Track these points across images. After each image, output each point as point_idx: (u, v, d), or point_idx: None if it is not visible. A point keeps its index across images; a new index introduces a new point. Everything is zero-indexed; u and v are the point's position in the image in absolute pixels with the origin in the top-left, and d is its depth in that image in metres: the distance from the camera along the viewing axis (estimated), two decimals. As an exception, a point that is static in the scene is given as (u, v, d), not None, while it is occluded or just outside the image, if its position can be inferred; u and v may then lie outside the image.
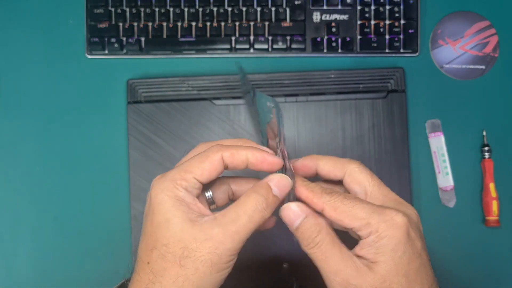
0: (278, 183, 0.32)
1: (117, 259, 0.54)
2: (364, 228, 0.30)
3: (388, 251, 0.29)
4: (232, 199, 0.37)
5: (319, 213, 0.32)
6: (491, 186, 0.55)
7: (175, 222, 0.30)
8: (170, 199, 0.31)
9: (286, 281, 0.51)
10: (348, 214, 0.30)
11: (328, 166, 0.35)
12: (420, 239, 0.31)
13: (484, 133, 0.56)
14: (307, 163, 0.36)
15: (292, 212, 0.32)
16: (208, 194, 0.35)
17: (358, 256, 0.30)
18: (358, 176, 0.33)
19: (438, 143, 0.56)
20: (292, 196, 0.33)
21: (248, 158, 0.33)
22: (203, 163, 0.32)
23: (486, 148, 0.55)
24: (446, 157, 0.56)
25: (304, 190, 0.32)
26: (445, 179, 0.55)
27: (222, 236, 0.30)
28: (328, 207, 0.31)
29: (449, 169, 0.55)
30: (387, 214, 0.30)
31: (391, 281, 0.29)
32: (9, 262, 0.55)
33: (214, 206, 0.36)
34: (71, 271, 0.55)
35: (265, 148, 0.34)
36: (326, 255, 0.30)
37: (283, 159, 0.34)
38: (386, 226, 0.29)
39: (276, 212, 0.33)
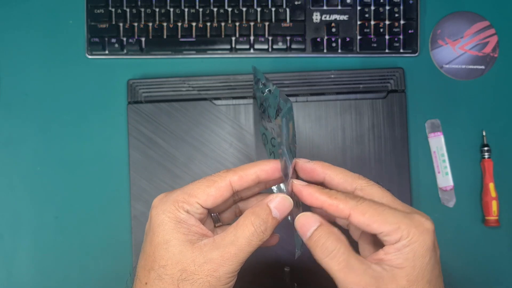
0: (279, 204, 0.32)
1: (118, 259, 0.55)
2: (395, 233, 0.29)
3: (417, 257, 0.29)
4: (238, 215, 0.37)
5: (333, 223, 0.32)
6: (491, 186, 0.55)
7: (174, 244, 0.30)
8: (171, 221, 0.30)
9: (288, 285, 0.51)
10: (377, 219, 0.29)
11: (339, 178, 0.33)
12: (438, 247, 0.31)
13: (484, 133, 0.56)
14: (317, 169, 0.34)
15: (306, 221, 0.31)
16: (214, 214, 0.35)
17: (380, 261, 0.30)
18: (370, 190, 0.32)
19: (437, 143, 0.56)
20: (299, 203, 0.33)
21: (258, 175, 0.33)
22: (209, 188, 0.31)
23: (485, 148, 0.55)
24: (446, 157, 0.56)
25: (327, 197, 0.31)
26: (445, 179, 0.56)
27: (221, 259, 0.30)
28: (355, 212, 0.30)
29: (448, 169, 0.56)
30: (417, 219, 0.29)
31: (416, 287, 0.29)
32: (10, 262, 0.55)
33: (219, 224, 0.36)
34: (71, 271, 0.55)
35: (271, 159, 0.34)
36: (342, 265, 0.30)
37: (287, 170, 0.33)
38: (418, 232, 0.29)
39: (279, 229, 0.33)
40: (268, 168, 0.33)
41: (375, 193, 0.32)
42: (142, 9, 0.56)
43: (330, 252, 0.30)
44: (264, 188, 0.36)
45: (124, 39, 0.56)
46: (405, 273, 0.29)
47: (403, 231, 0.29)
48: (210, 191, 0.31)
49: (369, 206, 0.30)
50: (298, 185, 0.32)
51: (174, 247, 0.30)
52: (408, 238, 0.29)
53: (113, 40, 0.56)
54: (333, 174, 0.34)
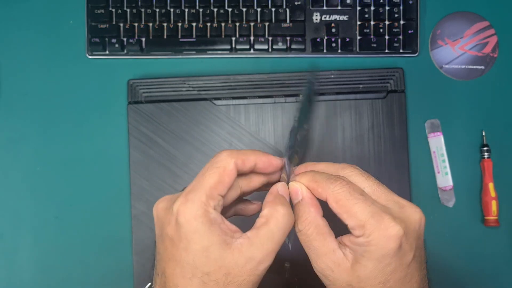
0: (284, 189, 0.33)
1: (118, 259, 0.55)
2: (358, 229, 0.29)
3: (372, 259, 0.29)
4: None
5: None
6: (490, 186, 0.55)
7: (214, 250, 0.29)
8: (204, 225, 0.29)
9: (288, 281, 0.51)
10: (347, 210, 0.30)
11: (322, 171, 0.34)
12: (413, 250, 0.30)
13: (484, 133, 0.56)
14: (301, 171, 0.35)
15: (293, 191, 0.33)
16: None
17: (344, 245, 0.31)
18: (353, 180, 0.32)
19: (437, 143, 0.56)
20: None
21: (257, 163, 0.33)
22: (222, 176, 0.31)
23: (485, 148, 0.55)
24: (446, 157, 0.56)
25: (309, 180, 0.32)
26: (445, 179, 0.56)
27: (261, 257, 0.30)
28: (330, 198, 0.31)
29: (448, 169, 0.56)
30: (384, 222, 0.29)
31: (366, 283, 0.29)
32: (10, 262, 0.55)
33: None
34: (71, 271, 0.55)
35: (268, 154, 0.34)
36: (310, 242, 0.31)
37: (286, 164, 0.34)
38: (378, 236, 0.29)
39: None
40: (265, 159, 0.33)
41: (359, 183, 0.32)
42: (143, 9, 0.56)
43: (303, 227, 0.32)
44: (263, 184, 0.36)
45: (125, 39, 0.57)
46: (359, 268, 0.29)
47: (366, 231, 0.29)
48: (224, 179, 0.31)
49: (344, 194, 0.30)
50: (283, 185, 0.34)
51: (214, 253, 0.29)
52: (368, 239, 0.29)
53: (114, 40, 0.56)
54: (317, 169, 0.34)
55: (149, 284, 0.33)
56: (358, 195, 0.30)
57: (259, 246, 0.30)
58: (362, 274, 0.29)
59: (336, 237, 0.32)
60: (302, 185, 0.33)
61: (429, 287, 0.32)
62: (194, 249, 0.29)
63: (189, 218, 0.29)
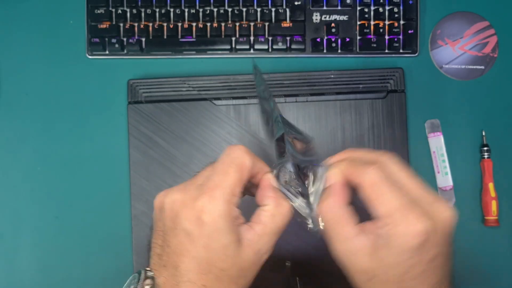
0: (274, 180, 0.34)
1: (118, 259, 0.55)
2: (384, 219, 0.29)
3: (394, 251, 0.29)
4: None
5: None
6: (490, 186, 0.55)
7: (232, 248, 0.30)
8: (227, 223, 0.30)
9: (289, 280, 0.51)
10: (378, 197, 0.30)
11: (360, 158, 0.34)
12: (438, 247, 0.29)
13: (484, 133, 0.56)
14: (342, 157, 0.35)
15: (329, 176, 0.33)
16: None
17: (366, 231, 0.30)
18: (389, 168, 0.32)
19: (437, 143, 0.56)
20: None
21: (258, 173, 0.33)
22: (243, 173, 0.32)
23: (485, 148, 0.55)
24: (446, 157, 0.56)
25: (347, 163, 0.32)
26: (445, 179, 0.56)
27: (266, 249, 0.32)
28: (365, 182, 0.30)
29: (448, 169, 0.56)
30: (411, 217, 0.29)
31: (385, 272, 0.29)
32: (10, 262, 0.55)
33: None
34: (72, 271, 0.55)
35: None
36: (332, 227, 0.31)
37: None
38: (403, 229, 0.29)
39: None
40: (265, 175, 0.34)
41: (394, 172, 0.32)
42: (142, 9, 0.56)
43: (326, 211, 0.32)
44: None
45: (124, 39, 0.57)
46: (376, 259, 0.29)
47: (392, 222, 0.29)
48: (244, 176, 0.32)
49: (378, 180, 0.30)
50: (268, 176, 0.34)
51: (231, 250, 0.30)
52: (392, 231, 0.29)
53: (114, 40, 0.56)
54: (355, 155, 0.34)
55: (136, 273, 0.33)
56: (391, 184, 0.30)
57: (266, 241, 0.31)
58: (380, 263, 0.29)
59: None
60: (337, 172, 0.33)
61: (450, 283, 0.32)
62: (214, 247, 0.30)
63: (214, 216, 0.30)
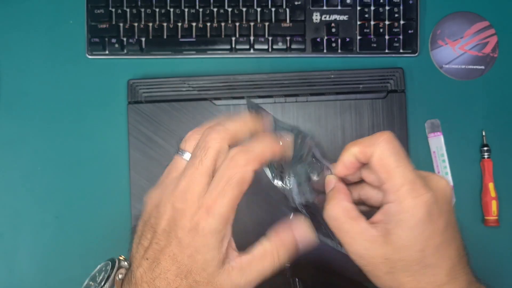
0: (304, 234, 0.34)
1: (118, 259, 0.55)
2: (392, 193, 0.30)
3: (405, 227, 0.29)
4: None
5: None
6: (491, 186, 0.55)
7: (212, 265, 0.30)
8: (217, 241, 0.30)
9: (289, 282, 0.51)
10: (389, 170, 0.30)
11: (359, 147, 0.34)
12: (443, 215, 0.30)
13: (484, 133, 0.56)
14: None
15: (327, 182, 0.34)
16: None
17: (375, 223, 0.31)
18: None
19: (437, 143, 0.56)
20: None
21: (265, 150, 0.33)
22: (244, 188, 0.31)
23: (485, 148, 0.55)
24: (446, 157, 0.56)
25: (351, 146, 0.33)
26: (445, 179, 0.56)
27: (244, 284, 0.31)
28: (376, 153, 0.31)
29: (448, 169, 0.56)
30: (416, 189, 0.29)
31: (404, 253, 0.29)
32: (10, 262, 0.55)
33: None
34: (71, 271, 0.55)
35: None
36: (341, 226, 0.31)
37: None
38: (410, 202, 0.29)
39: None
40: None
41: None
42: (142, 9, 0.56)
43: (330, 213, 0.32)
44: None
45: (124, 39, 0.57)
46: (394, 238, 0.29)
47: (399, 196, 0.29)
48: (244, 189, 0.31)
49: (391, 152, 0.30)
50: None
51: (211, 268, 0.30)
52: (400, 207, 0.29)
53: (113, 40, 0.56)
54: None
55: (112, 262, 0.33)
56: (402, 159, 0.30)
57: (247, 277, 0.31)
58: (397, 244, 0.29)
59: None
60: (335, 176, 0.34)
61: (468, 260, 0.32)
62: (197, 259, 0.30)
63: (207, 233, 0.30)
